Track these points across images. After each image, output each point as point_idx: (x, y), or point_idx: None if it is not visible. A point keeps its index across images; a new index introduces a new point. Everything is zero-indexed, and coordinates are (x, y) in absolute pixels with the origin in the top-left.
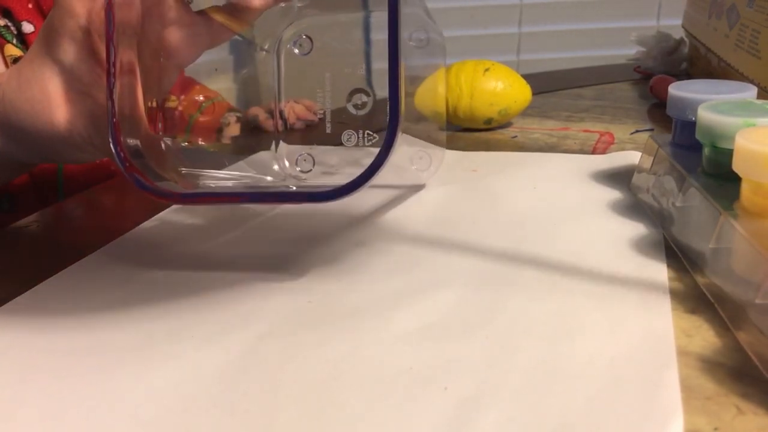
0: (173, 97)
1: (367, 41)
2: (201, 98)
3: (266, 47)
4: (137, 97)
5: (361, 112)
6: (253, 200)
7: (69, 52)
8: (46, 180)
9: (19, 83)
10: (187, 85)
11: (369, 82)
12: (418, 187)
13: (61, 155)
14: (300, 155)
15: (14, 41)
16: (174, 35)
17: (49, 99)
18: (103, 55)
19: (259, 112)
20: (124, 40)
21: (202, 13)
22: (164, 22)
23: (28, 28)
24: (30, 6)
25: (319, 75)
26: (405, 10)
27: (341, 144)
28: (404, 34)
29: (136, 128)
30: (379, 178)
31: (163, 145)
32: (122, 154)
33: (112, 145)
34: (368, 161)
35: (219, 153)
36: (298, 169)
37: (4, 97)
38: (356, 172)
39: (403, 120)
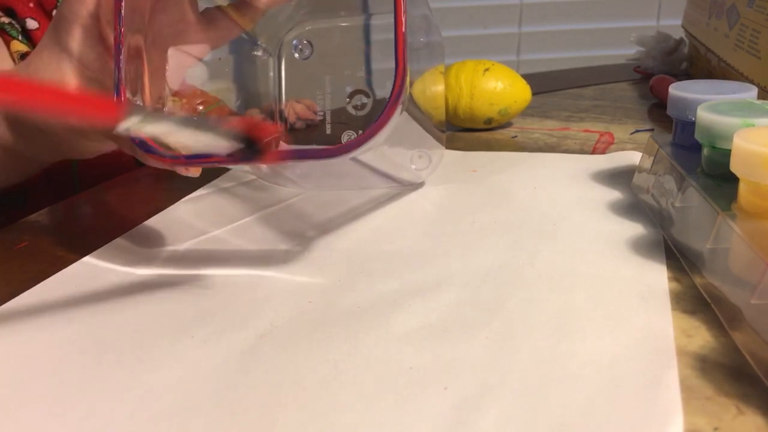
0: (175, 99)
1: (367, 42)
2: (201, 108)
3: (268, 50)
4: (143, 81)
5: (361, 113)
6: (254, 161)
7: (78, 38)
8: (62, 174)
9: (28, 73)
10: (188, 91)
11: (369, 83)
12: (417, 187)
13: (69, 145)
14: None
15: (19, 37)
16: (181, 31)
17: (58, 86)
18: (112, 41)
19: (256, 113)
20: (132, 25)
21: (207, 11)
22: (172, 17)
23: (32, 24)
24: (31, 5)
25: (319, 78)
26: (410, 12)
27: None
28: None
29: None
30: (378, 162)
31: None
32: None
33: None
34: (369, 157)
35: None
36: (298, 171)
37: None
38: (356, 170)
39: (408, 77)
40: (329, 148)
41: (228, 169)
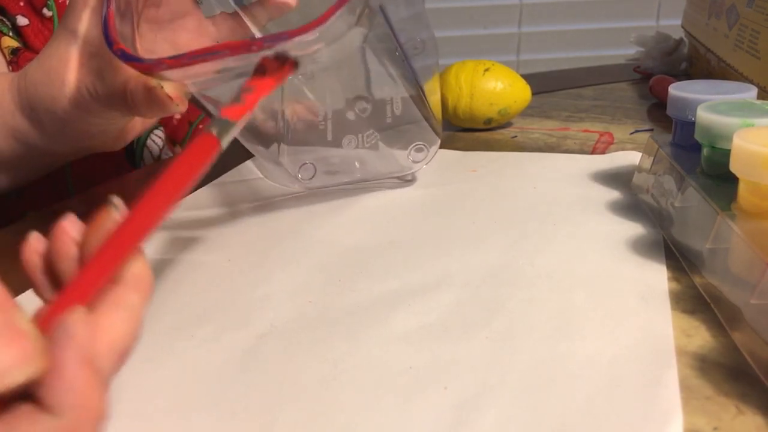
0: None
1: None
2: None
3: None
4: (135, 44)
5: (362, 116)
6: (237, 52)
7: (84, 19)
8: (56, 171)
9: (40, 60)
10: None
11: (368, 89)
12: (417, 187)
13: (82, 129)
14: (303, 164)
15: (10, 33)
16: (180, 29)
17: (65, 64)
18: None
19: (257, 114)
20: None
21: (213, 16)
22: (171, 6)
23: (22, 21)
24: (21, 3)
25: (320, 89)
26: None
27: (341, 147)
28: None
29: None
30: (376, 157)
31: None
32: (111, 35)
33: (102, 28)
34: (369, 155)
35: None
36: (300, 176)
37: (27, 76)
38: (356, 171)
39: None
40: (306, 26)
41: (226, 169)
